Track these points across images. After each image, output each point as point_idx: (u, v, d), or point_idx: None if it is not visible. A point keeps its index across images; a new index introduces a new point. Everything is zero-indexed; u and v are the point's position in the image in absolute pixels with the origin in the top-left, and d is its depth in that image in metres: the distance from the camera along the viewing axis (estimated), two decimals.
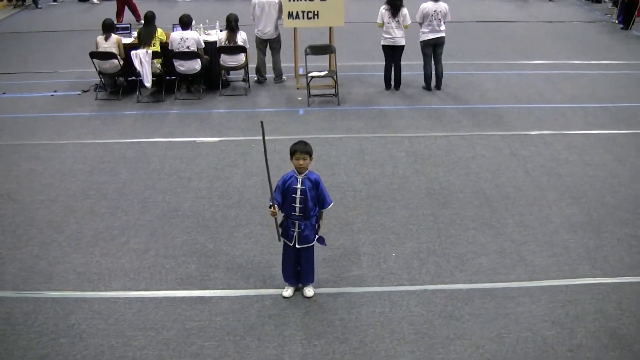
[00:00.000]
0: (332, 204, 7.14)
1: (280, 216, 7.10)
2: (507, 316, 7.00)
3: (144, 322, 7.01)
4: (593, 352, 6.48)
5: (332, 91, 13.96)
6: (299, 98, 13.91)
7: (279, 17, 14.28)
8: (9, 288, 7.63)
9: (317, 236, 7.21)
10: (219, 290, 7.52)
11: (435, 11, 13.62)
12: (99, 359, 6.49)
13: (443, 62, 14.19)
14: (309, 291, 7.42)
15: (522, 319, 6.95)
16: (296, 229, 7.04)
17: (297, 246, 7.11)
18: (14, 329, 6.91)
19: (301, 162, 6.88)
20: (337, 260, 8.08)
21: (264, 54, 14.76)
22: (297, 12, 13.90)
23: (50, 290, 7.58)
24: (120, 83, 14.39)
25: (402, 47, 13.86)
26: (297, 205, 6.94)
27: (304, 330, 6.85)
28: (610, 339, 6.65)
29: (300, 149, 6.88)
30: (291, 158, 6.93)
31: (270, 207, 6.91)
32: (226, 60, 13.90)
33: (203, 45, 13.82)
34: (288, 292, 7.41)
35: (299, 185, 6.89)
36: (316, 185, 6.96)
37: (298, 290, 7.45)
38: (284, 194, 6.96)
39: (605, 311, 7.06)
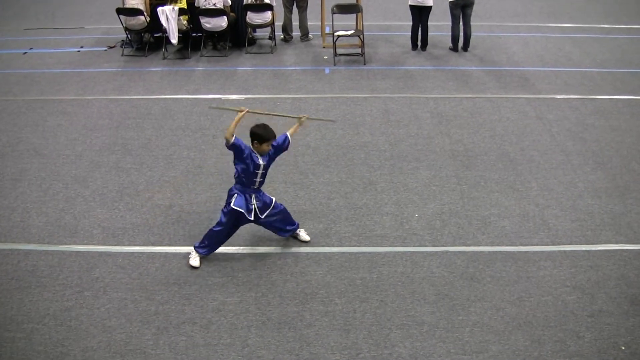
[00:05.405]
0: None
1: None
2: (529, 279, 7.00)
3: (167, 277, 7.09)
4: (613, 317, 6.47)
5: (359, 50, 13.88)
6: (325, 57, 13.85)
7: None
8: (35, 241, 7.74)
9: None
10: (242, 247, 7.57)
11: None
12: (122, 312, 6.59)
13: (471, 24, 14.03)
14: (304, 235, 7.67)
15: (543, 283, 6.95)
16: (254, 202, 7.04)
17: (261, 217, 7.13)
18: (39, 281, 7.02)
19: (270, 147, 6.91)
20: (360, 219, 8.10)
21: (291, 12, 14.69)
22: None
23: (75, 244, 7.68)
24: (146, 39, 14.39)
25: (429, 8, 13.69)
26: (258, 179, 6.97)
27: (325, 289, 6.89)
28: (631, 306, 6.63)
29: (273, 136, 6.86)
30: (260, 143, 6.80)
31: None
32: (252, 17, 13.84)
33: (229, 2, 13.74)
34: (196, 261, 7.30)
35: (261, 162, 6.88)
36: (273, 155, 7.01)
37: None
38: (244, 163, 6.87)
39: (627, 277, 7.03)
